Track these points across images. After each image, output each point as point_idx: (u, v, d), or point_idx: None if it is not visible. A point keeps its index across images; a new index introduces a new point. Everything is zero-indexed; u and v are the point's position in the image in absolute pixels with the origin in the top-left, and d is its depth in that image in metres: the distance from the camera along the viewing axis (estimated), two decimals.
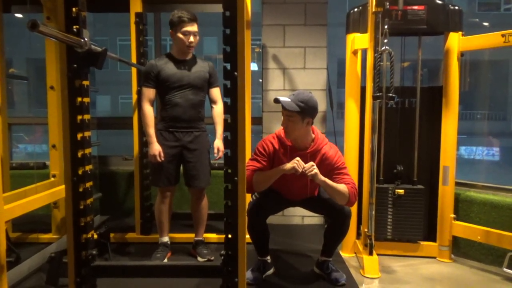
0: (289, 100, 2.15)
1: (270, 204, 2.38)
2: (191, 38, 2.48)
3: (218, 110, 2.64)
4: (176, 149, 2.55)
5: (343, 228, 2.36)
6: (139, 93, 2.86)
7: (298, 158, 2.14)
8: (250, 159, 2.29)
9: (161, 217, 2.65)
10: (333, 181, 2.20)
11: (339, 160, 2.27)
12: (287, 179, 2.22)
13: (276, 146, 2.27)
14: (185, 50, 2.52)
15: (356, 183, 2.84)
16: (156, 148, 2.49)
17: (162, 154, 2.50)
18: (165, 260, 2.60)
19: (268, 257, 2.49)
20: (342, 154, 2.36)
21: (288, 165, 2.13)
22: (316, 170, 2.12)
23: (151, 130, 2.51)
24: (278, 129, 2.30)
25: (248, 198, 2.88)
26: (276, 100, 2.15)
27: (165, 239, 2.69)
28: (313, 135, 2.27)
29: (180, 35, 2.47)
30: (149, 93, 2.54)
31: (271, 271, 2.49)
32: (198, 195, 2.67)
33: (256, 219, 2.35)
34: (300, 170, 2.10)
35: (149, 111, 2.53)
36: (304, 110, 2.12)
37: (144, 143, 2.92)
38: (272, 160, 2.27)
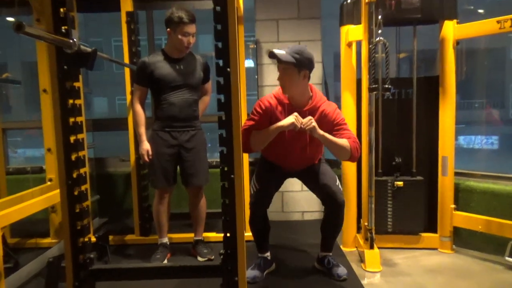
0: (284, 52, 2.10)
1: (271, 190, 2.37)
2: (190, 39, 2.44)
3: (205, 99, 2.72)
4: (173, 149, 2.51)
5: (338, 220, 2.35)
6: (132, 93, 2.84)
7: (296, 113, 2.08)
8: (247, 119, 2.24)
9: (159, 218, 2.62)
10: (334, 137, 2.17)
11: (339, 116, 2.22)
12: (285, 140, 2.17)
13: (274, 104, 2.21)
14: (183, 50, 2.48)
15: (355, 175, 2.85)
16: (144, 147, 2.48)
17: (150, 153, 2.49)
18: (165, 261, 2.58)
19: (268, 254, 2.48)
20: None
21: (287, 121, 2.07)
22: (314, 123, 2.06)
23: (141, 129, 2.50)
24: (275, 89, 2.27)
25: (247, 195, 2.87)
26: (271, 54, 2.09)
27: (165, 240, 2.67)
28: (311, 93, 2.23)
29: (180, 36, 2.41)
30: (141, 92, 2.51)
31: (272, 268, 2.48)
32: (196, 194, 2.65)
33: (259, 211, 2.35)
34: (298, 125, 2.04)
35: (140, 110, 2.51)
36: (300, 61, 2.08)
37: None
38: (270, 118, 2.21)
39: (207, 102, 2.76)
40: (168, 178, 2.54)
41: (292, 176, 2.47)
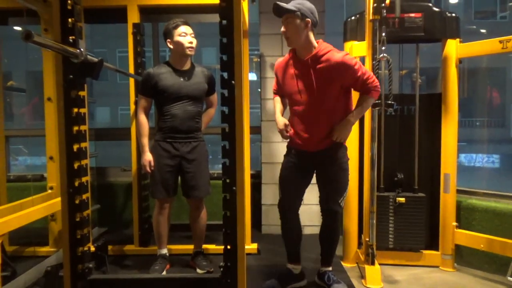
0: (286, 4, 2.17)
1: (294, 195, 2.37)
2: (189, 38, 2.47)
3: (210, 111, 2.73)
4: (174, 160, 2.51)
5: (332, 231, 2.33)
6: (137, 103, 2.85)
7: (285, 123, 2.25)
8: None
9: (159, 229, 2.60)
10: (357, 88, 2.23)
11: (354, 63, 2.12)
12: (291, 85, 2.23)
13: (285, 60, 2.30)
14: (185, 53, 2.47)
15: (356, 191, 2.85)
16: (147, 158, 2.49)
17: (152, 164, 2.49)
18: (164, 273, 2.55)
19: (297, 267, 2.42)
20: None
21: (279, 121, 2.28)
22: (339, 136, 2.18)
23: (145, 140, 2.51)
24: None
25: (248, 208, 2.87)
26: (275, 6, 2.13)
27: (164, 251, 2.64)
28: (316, 44, 2.20)
29: (178, 38, 2.45)
30: (145, 102, 2.53)
31: (301, 283, 2.41)
32: (197, 206, 2.64)
33: (286, 218, 2.38)
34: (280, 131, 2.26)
35: (143, 121, 2.52)
36: (301, 9, 2.11)
37: None
38: (280, 77, 2.33)
39: (212, 115, 2.74)
40: (168, 189, 2.53)
41: (314, 167, 2.35)
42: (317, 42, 2.20)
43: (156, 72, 2.48)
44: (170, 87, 2.46)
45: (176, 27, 2.46)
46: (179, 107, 2.48)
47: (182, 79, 2.50)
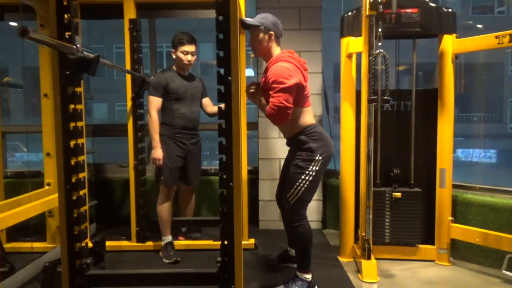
0: (252, 19, 2.30)
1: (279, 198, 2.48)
2: (189, 57, 2.77)
3: (210, 103, 3.01)
4: (183, 153, 2.82)
5: (291, 232, 2.32)
6: (134, 99, 2.87)
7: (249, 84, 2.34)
8: None
9: (167, 214, 2.80)
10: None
11: (272, 78, 2.12)
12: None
13: None
14: (184, 67, 2.81)
15: (353, 186, 2.86)
16: (159, 153, 2.73)
17: (161, 159, 2.73)
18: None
19: (294, 250, 2.48)
20: (287, 75, 2.11)
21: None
22: (251, 91, 2.28)
23: (157, 136, 2.74)
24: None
25: (245, 204, 2.88)
26: (241, 22, 2.23)
27: (170, 237, 2.84)
28: (275, 54, 2.26)
29: (180, 54, 2.76)
30: (157, 102, 2.76)
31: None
32: (192, 191, 3.08)
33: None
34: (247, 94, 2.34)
35: (156, 118, 2.76)
36: (264, 24, 2.25)
37: (140, 150, 2.92)
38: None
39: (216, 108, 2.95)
40: (177, 178, 2.84)
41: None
42: (282, 52, 2.27)
43: (167, 75, 2.78)
44: (179, 88, 2.78)
45: (181, 44, 2.74)
46: (187, 107, 2.81)
47: (187, 83, 2.83)
